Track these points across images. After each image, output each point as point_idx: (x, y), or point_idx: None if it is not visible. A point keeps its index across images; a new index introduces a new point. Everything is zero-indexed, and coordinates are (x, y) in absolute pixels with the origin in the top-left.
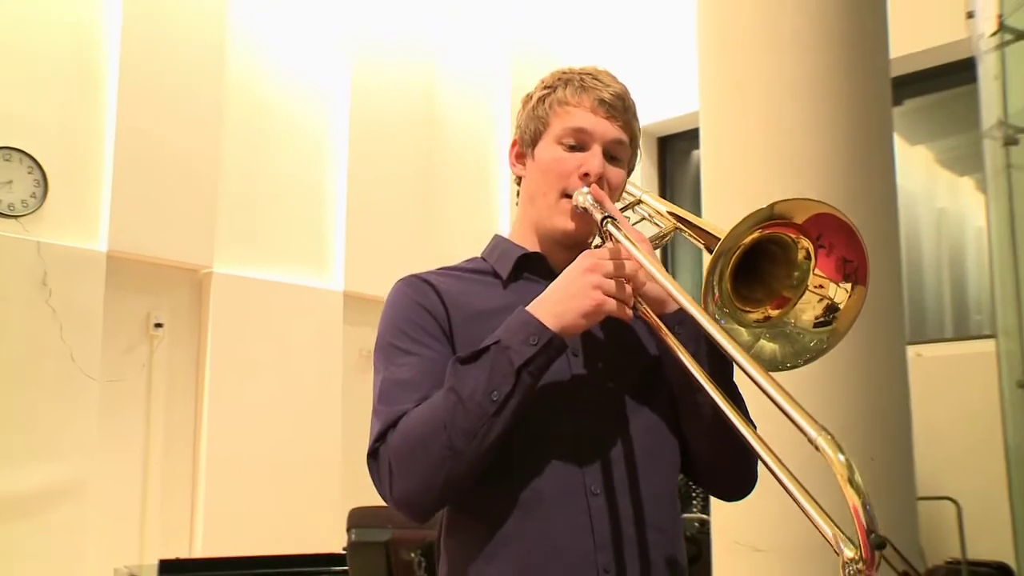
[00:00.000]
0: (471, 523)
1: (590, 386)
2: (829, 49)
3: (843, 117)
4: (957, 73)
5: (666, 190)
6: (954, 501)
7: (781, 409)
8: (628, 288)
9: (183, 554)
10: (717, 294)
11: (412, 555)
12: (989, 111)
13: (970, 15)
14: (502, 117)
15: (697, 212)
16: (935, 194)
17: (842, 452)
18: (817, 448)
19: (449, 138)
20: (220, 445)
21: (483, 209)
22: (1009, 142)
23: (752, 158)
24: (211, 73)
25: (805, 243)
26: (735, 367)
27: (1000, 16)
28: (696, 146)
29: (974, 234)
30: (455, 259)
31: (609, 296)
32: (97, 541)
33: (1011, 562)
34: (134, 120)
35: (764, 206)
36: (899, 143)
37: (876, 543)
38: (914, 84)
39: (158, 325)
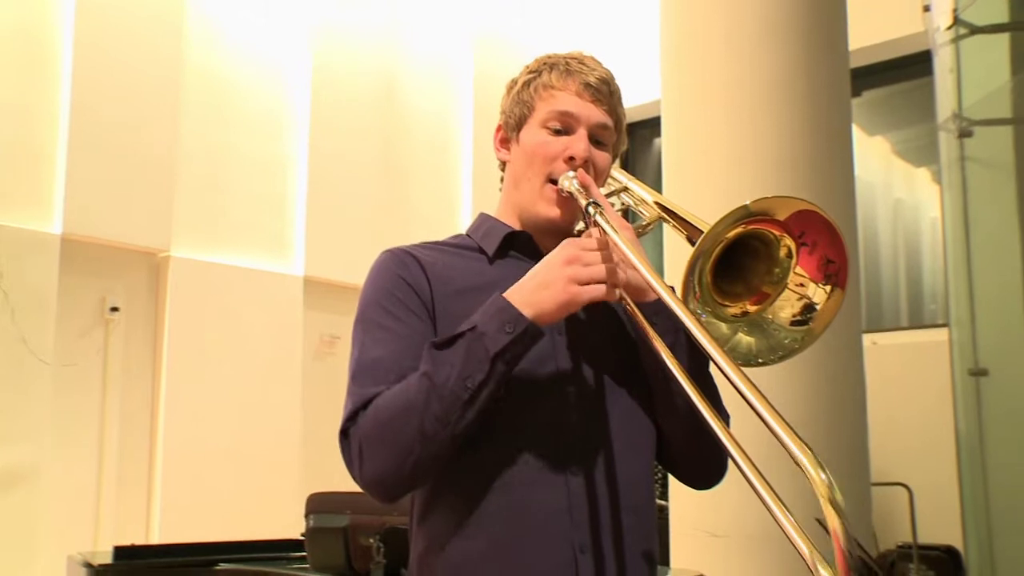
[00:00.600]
0: (450, 499)
1: (573, 366)
2: (789, 39)
3: (803, 107)
4: (914, 65)
5: None
6: (906, 487)
7: (763, 420)
8: (606, 272)
9: (139, 540)
10: (698, 292)
11: (371, 540)
12: (944, 104)
13: (926, 8)
14: (464, 100)
15: None
16: (892, 184)
17: (823, 471)
18: (799, 464)
19: (411, 122)
20: (177, 431)
21: (445, 194)
22: (963, 134)
23: (713, 147)
24: (169, 51)
25: (788, 241)
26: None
27: (955, 10)
28: (658, 133)
29: (929, 225)
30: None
31: (586, 287)
32: (50, 528)
33: (959, 545)
34: (89, 99)
35: (740, 205)
36: (857, 134)
37: (855, 567)
38: (872, 75)
39: (114, 309)
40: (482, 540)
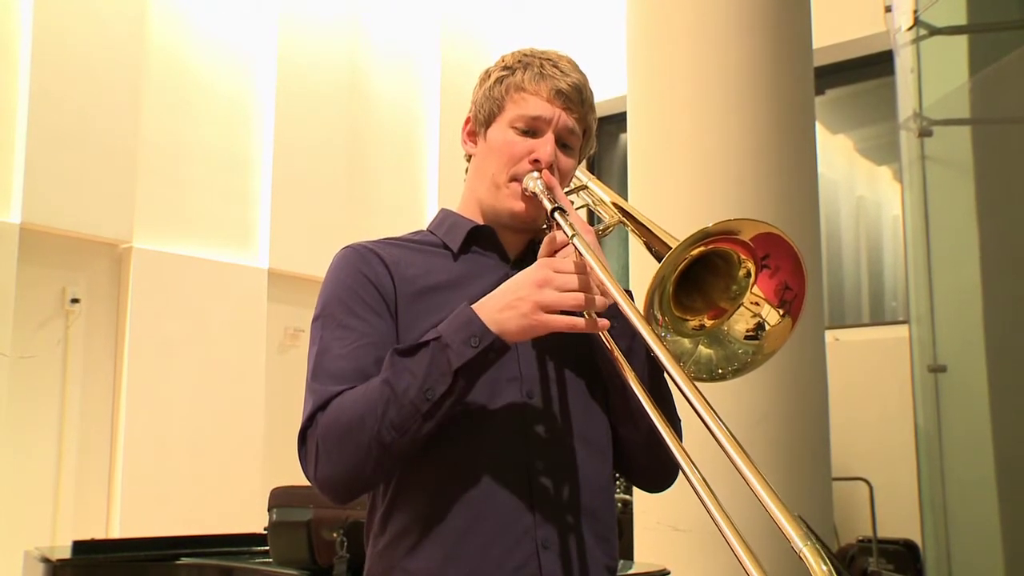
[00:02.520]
0: (414, 494)
1: (536, 364)
2: (754, 38)
3: (767, 105)
4: (877, 64)
5: (593, 172)
6: (867, 482)
7: (758, 496)
8: (583, 301)
9: (99, 535)
10: (660, 318)
11: (334, 535)
12: (905, 103)
13: (888, 9)
14: (431, 91)
15: (624, 196)
16: (855, 182)
17: (825, 563)
18: (802, 558)
19: (377, 113)
20: (139, 424)
21: (411, 187)
22: (923, 134)
23: (678, 144)
24: (131, 37)
25: (749, 264)
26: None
27: (915, 12)
28: (624, 129)
29: (891, 222)
30: (382, 235)
31: (555, 316)
32: (6, 523)
33: (917, 539)
34: (49, 85)
35: (698, 229)
36: (821, 132)
37: None
38: (836, 74)
39: (75, 301)
40: (445, 536)
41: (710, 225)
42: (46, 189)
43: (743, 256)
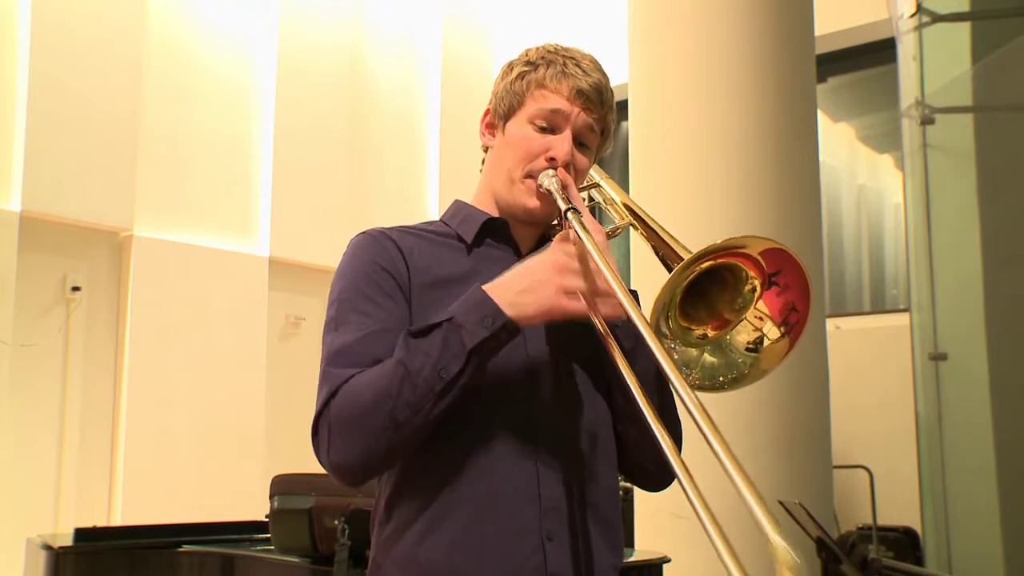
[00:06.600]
0: (421, 483)
1: (541, 364)
2: (756, 26)
3: (769, 93)
4: (879, 52)
5: (595, 161)
6: (867, 469)
7: (732, 479)
8: (597, 287)
9: (101, 522)
10: (668, 333)
11: (335, 522)
12: (907, 91)
13: None
14: (432, 77)
15: (624, 184)
16: (856, 170)
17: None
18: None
19: (378, 98)
20: (141, 412)
21: (412, 173)
22: (925, 121)
23: (679, 132)
24: (132, 24)
25: (756, 280)
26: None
27: None
28: (625, 118)
29: (892, 210)
30: (384, 224)
31: (573, 300)
32: (8, 510)
33: (917, 526)
34: (49, 72)
35: (696, 251)
36: (822, 119)
37: None
38: (838, 62)
39: (75, 289)
40: (452, 524)
41: (719, 241)
42: (46, 177)
43: (751, 273)
